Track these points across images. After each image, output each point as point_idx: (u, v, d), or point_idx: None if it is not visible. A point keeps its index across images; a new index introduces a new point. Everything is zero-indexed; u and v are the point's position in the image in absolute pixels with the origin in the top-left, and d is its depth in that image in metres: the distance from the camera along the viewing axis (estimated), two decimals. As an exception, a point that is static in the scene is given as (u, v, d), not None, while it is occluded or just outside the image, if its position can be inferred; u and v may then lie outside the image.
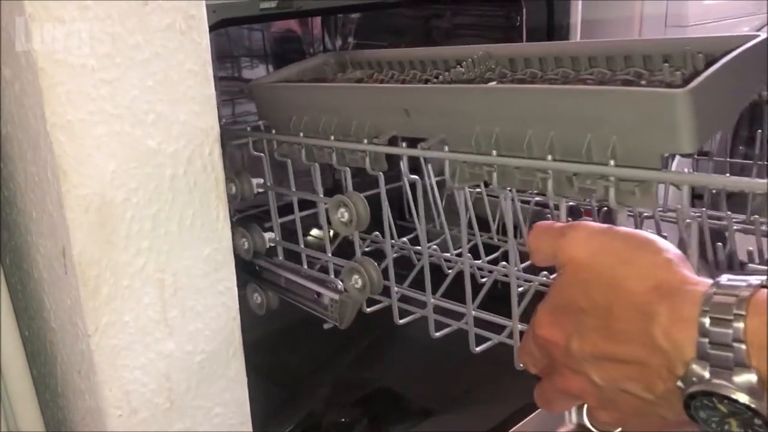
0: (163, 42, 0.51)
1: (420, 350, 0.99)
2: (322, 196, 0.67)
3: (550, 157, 0.47)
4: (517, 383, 1.04)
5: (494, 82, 0.59)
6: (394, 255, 0.72)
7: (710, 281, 0.36)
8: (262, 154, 0.69)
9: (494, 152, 0.50)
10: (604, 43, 0.59)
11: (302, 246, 0.71)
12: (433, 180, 0.80)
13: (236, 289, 0.61)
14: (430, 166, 0.79)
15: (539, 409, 1.01)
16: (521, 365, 0.49)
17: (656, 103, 0.42)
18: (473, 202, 0.77)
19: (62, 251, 0.52)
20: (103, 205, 0.51)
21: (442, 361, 1.04)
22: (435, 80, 0.63)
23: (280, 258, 0.72)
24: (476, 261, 0.75)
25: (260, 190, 0.69)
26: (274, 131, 0.67)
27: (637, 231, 0.41)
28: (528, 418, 1.00)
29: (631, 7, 1.11)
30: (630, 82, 0.52)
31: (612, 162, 0.44)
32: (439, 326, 0.64)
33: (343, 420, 1.03)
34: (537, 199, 0.84)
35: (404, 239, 0.81)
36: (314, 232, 1.31)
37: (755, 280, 0.35)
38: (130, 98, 0.50)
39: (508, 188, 0.54)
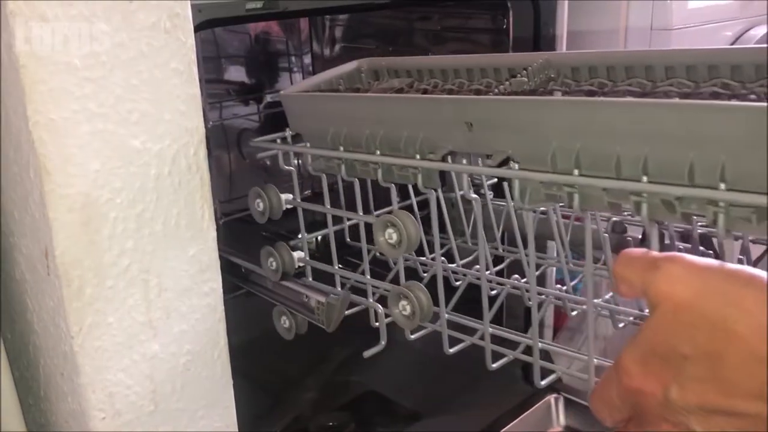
0: (147, 41, 0.50)
1: (407, 354, 0.99)
2: (362, 213, 0.63)
3: (645, 178, 0.42)
4: (505, 387, 1.04)
5: (559, 93, 0.56)
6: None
7: None
8: (292, 168, 0.65)
9: (576, 171, 0.45)
10: (681, 51, 0.55)
11: (336, 266, 0.66)
12: (464, 195, 0.73)
13: (222, 290, 0.60)
14: (468, 180, 0.75)
15: (527, 411, 1.02)
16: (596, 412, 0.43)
17: None
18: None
19: (45, 252, 0.51)
20: (87, 204, 0.50)
21: (429, 365, 1.04)
22: (492, 90, 0.58)
23: (310, 279, 0.68)
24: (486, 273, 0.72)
25: (289, 206, 0.65)
26: (308, 144, 0.63)
27: (742, 267, 0.36)
28: (516, 420, 1.01)
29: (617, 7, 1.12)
30: (718, 95, 0.49)
31: (723, 185, 0.40)
32: (452, 342, 0.61)
33: (330, 424, 1.03)
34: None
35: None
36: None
37: None
38: (114, 97, 0.50)
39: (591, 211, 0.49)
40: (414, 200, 0.67)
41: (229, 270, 0.69)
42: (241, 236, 1.33)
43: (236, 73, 1.33)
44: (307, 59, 1.38)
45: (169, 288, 0.56)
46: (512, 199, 0.50)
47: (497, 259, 0.78)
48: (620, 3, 1.10)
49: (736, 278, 0.35)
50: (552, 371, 0.57)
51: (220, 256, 0.60)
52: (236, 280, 0.72)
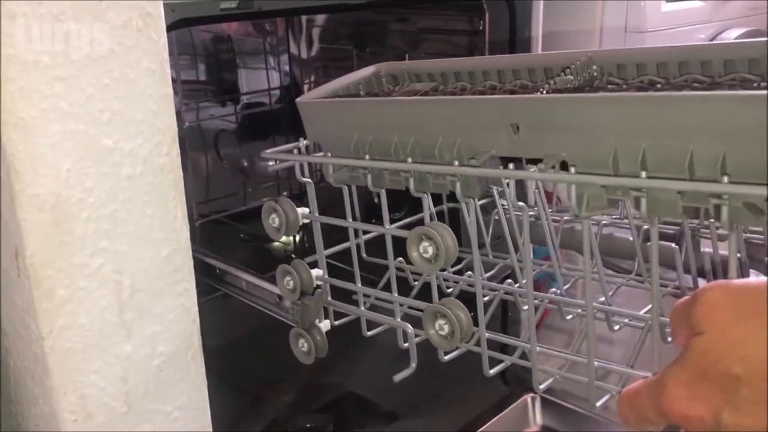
0: (119, 39, 0.50)
1: (385, 355, 0.99)
2: (389, 226, 0.58)
3: (726, 179, 0.39)
4: (482, 387, 1.04)
5: (608, 91, 0.52)
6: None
7: None
8: (308, 180, 0.60)
9: (643, 173, 0.41)
10: (743, 44, 0.52)
11: (359, 284, 0.62)
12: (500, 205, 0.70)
13: (195, 291, 0.60)
14: (510, 190, 0.66)
15: (504, 411, 1.02)
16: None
17: None
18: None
19: (15, 252, 0.51)
20: (58, 204, 0.50)
21: (407, 366, 1.04)
22: (530, 90, 0.55)
23: (329, 297, 0.63)
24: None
25: (306, 220, 0.61)
26: (328, 153, 0.59)
27: None
28: (493, 419, 1.01)
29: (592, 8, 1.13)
30: None
31: None
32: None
33: (308, 426, 1.03)
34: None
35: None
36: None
37: None
38: (85, 96, 0.49)
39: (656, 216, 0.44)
40: (428, 211, 0.62)
41: (203, 271, 0.69)
42: (217, 238, 1.33)
43: (212, 74, 1.32)
44: (285, 60, 1.37)
45: (142, 289, 0.56)
46: (575, 206, 0.45)
47: (506, 268, 0.75)
48: (595, 4, 1.11)
49: None
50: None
51: (195, 257, 0.60)
52: (211, 281, 0.71)
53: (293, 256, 0.68)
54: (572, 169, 0.45)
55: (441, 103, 0.54)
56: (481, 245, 0.73)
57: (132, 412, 0.57)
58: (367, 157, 0.55)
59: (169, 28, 0.55)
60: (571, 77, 0.54)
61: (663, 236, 0.66)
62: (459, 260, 0.74)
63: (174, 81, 0.55)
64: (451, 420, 1.01)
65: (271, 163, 0.62)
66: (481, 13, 0.98)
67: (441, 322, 0.53)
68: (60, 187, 0.49)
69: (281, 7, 0.76)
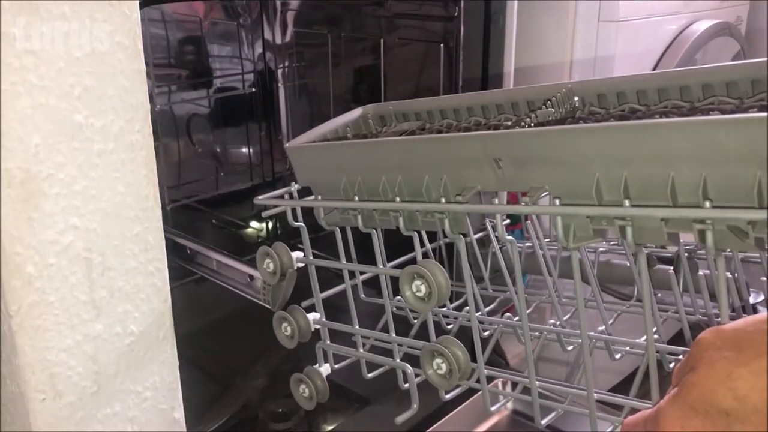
0: (90, 13, 0.49)
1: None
2: (383, 266, 0.58)
3: (708, 204, 0.39)
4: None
5: (590, 122, 0.53)
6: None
7: None
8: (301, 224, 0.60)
9: (626, 202, 0.41)
10: (723, 67, 0.52)
11: (357, 326, 0.62)
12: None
13: (167, 270, 0.60)
14: (499, 224, 0.69)
15: (474, 395, 1.03)
16: None
17: None
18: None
19: (-18, 228, 0.50)
20: (27, 179, 0.49)
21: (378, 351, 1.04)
22: (511, 125, 0.55)
23: (328, 341, 0.63)
24: (477, 313, 0.67)
25: (301, 264, 0.61)
26: (319, 197, 0.59)
27: (762, 315, 0.35)
28: (462, 405, 1.02)
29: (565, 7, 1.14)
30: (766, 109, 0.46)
31: None
32: None
33: (280, 410, 1.03)
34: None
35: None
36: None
37: None
38: (55, 70, 0.48)
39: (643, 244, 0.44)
40: (420, 249, 0.60)
41: (174, 251, 0.68)
42: (189, 222, 1.32)
43: (185, 58, 1.31)
44: (258, 45, 1.36)
45: (113, 267, 0.55)
46: (561, 237, 0.45)
47: (506, 301, 0.75)
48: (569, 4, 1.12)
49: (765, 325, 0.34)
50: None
51: (166, 238, 0.59)
52: (182, 261, 0.71)
53: (267, 242, 0.67)
54: (556, 201, 0.45)
55: (423, 141, 0.55)
56: (481, 279, 0.73)
57: (102, 391, 0.57)
58: (356, 198, 0.56)
59: (142, 4, 0.54)
60: (552, 110, 0.55)
61: (661, 260, 0.67)
62: (459, 295, 0.74)
63: (147, 64, 0.54)
64: (423, 404, 1.02)
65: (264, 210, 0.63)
66: (457, -1, 0.98)
67: (438, 361, 0.52)
68: (29, 162, 0.49)
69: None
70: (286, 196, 0.62)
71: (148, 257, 0.57)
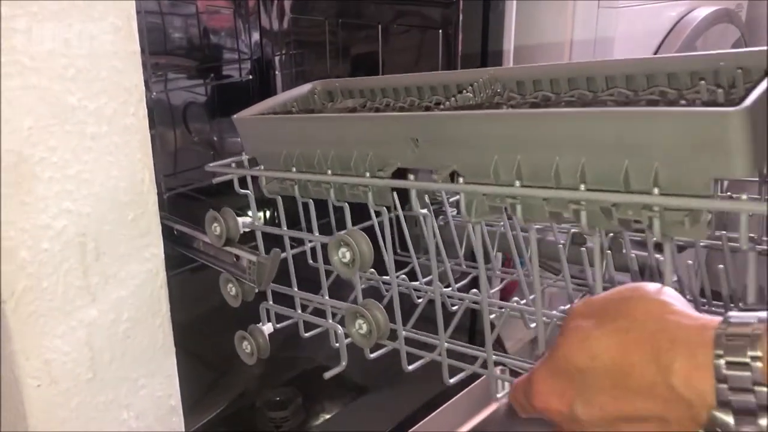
0: (83, -8, 0.48)
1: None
2: (317, 234, 0.62)
3: (583, 187, 0.43)
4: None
5: (505, 107, 0.56)
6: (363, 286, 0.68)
7: (718, 318, 0.34)
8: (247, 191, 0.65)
9: (517, 183, 0.46)
10: (623, 61, 0.56)
11: (295, 288, 0.67)
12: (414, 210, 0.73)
13: (163, 256, 0.59)
14: (446, 199, 0.75)
15: (471, 386, 1.03)
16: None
17: (708, 123, 0.39)
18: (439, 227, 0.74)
19: (-26, 212, 0.49)
20: (20, 162, 0.48)
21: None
22: (439, 107, 0.58)
23: (271, 302, 0.69)
24: (446, 289, 0.72)
25: (247, 229, 0.65)
26: (262, 167, 0.63)
27: (625, 285, 0.39)
28: (459, 394, 1.02)
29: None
30: (655, 102, 0.49)
31: (656, 190, 0.41)
32: (412, 358, 0.61)
33: (277, 399, 1.02)
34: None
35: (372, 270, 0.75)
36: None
37: (765, 314, 0.33)
38: (46, 51, 0.48)
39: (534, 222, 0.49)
40: (377, 220, 0.65)
41: (169, 237, 0.67)
42: (185, 211, 1.31)
43: (182, 46, 1.30)
44: (255, 32, 1.35)
45: (108, 252, 0.54)
46: (464, 212, 0.50)
47: (463, 275, 0.79)
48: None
49: (616, 294, 0.39)
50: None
51: (163, 225, 0.59)
52: (177, 246, 0.70)
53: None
54: (461, 179, 0.49)
55: (352, 119, 0.60)
56: (425, 251, 0.78)
57: (98, 378, 0.56)
58: (294, 169, 0.60)
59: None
60: (471, 95, 0.59)
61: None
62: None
63: (142, 51, 0.53)
64: (420, 392, 1.02)
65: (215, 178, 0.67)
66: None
67: (360, 321, 0.57)
68: (21, 145, 0.48)
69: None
70: (234, 165, 0.65)
71: (144, 243, 0.57)
